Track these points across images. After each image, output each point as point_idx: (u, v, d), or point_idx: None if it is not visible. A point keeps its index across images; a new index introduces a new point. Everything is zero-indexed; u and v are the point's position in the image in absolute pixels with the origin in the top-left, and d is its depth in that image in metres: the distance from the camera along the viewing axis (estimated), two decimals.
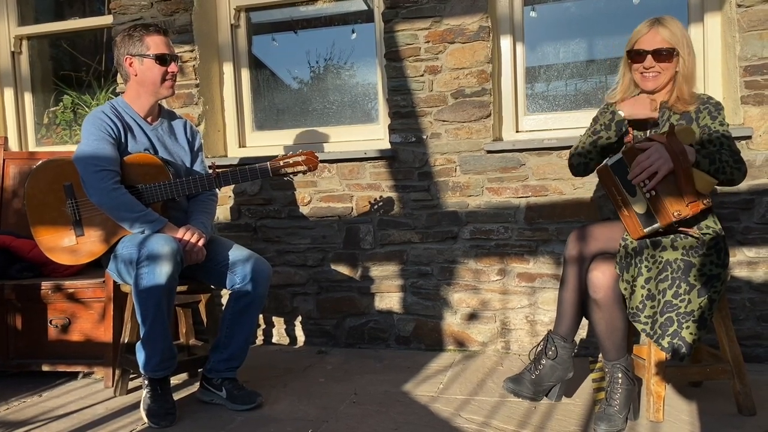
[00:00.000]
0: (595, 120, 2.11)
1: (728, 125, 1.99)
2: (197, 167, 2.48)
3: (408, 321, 2.99)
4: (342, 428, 2.04)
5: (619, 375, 1.95)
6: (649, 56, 1.97)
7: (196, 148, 2.51)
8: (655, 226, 1.87)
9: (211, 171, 2.30)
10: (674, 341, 1.85)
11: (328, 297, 3.10)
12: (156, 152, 2.34)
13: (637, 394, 2.00)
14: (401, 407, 2.21)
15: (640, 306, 1.90)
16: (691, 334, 1.85)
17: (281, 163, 2.29)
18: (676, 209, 1.82)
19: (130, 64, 2.28)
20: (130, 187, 2.22)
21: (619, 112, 2.00)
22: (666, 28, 1.97)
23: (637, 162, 1.85)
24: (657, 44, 1.96)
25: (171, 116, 2.49)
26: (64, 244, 2.26)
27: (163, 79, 2.28)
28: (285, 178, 2.48)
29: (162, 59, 2.27)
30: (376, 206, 2.96)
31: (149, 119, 2.37)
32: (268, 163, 2.28)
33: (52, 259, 2.28)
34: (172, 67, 2.29)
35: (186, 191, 2.27)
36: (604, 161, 2.01)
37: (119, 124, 2.26)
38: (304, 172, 2.32)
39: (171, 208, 2.32)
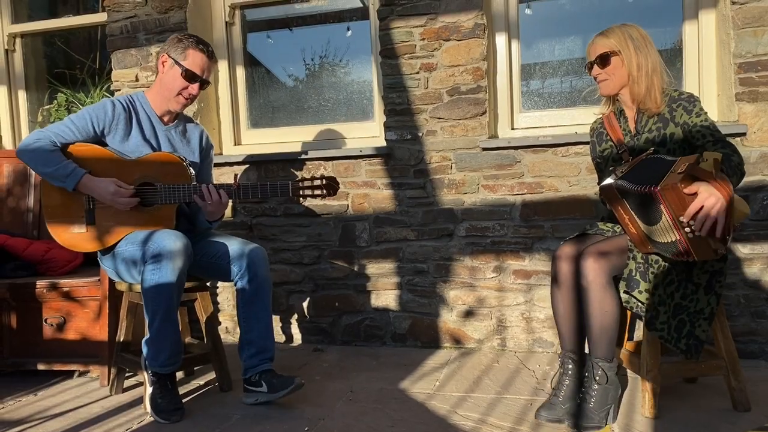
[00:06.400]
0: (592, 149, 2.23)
1: (706, 113, 1.94)
2: (204, 177, 2.50)
3: (404, 318, 2.99)
4: (338, 426, 2.04)
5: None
6: (595, 66, 2.04)
7: (207, 160, 2.53)
8: (679, 259, 1.80)
9: (233, 182, 2.26)
10: (690, 342, 1.87)
11: (324, 295, 3.10)
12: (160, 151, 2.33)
13: (615, 397, 1.96)
14: (397, 405, 2.21)
15: (654, 313, 1.90)
16: (704, 331, 1.88)
17: (302, 184, 2.24)
18: (722, 247, 1.73)
19: (163, 63, 2.30)
20: (148, 185, 2.23)
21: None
22: (603, 35, 2.03)
23: (699, 212, 1.66)
24: (596, 52, 2.03)
25: (187, 120, 2.49)
26: (73, 231, 2.25)
27: (179, 93, 2.29)
28: (301, 199, 2.43)
29: (190, 76, 2.27)
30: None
31: (165, 119, 2.38)
32: (290, 182, 2.25)
33: (57, 240, 2.27)
34: (193, 88, 2.29)
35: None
36: (608, 181, 1.90)
37: (124, 115, 2.27)
38: (322, 197, 2.26)
39: (180, 213, 2.33)
